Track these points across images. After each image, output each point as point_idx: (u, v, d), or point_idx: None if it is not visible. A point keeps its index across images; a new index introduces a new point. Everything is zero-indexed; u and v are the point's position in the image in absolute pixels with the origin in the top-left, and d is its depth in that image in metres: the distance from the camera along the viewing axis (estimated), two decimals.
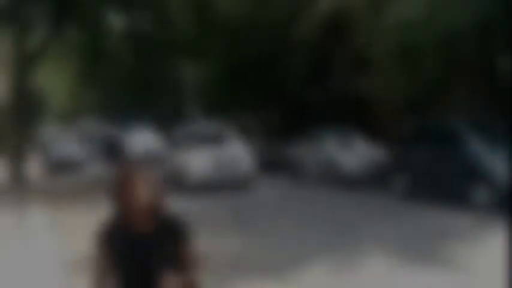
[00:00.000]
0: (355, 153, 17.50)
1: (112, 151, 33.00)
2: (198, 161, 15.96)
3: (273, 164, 20.80)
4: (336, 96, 26.84)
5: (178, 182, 16.24)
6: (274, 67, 26.98)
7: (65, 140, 30.47)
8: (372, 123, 23.49)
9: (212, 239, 9.12)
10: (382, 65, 16.92)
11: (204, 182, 15.92)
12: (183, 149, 16.76)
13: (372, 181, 16.68)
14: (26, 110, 21.60)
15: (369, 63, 17.68)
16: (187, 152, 16.36)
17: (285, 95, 27.74)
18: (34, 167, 27.25)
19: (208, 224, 10.59)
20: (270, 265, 7.74)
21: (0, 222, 11.56)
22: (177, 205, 7.24)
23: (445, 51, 14.00)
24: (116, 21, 25.13)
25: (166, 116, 40.33)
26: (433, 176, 12.98)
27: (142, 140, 31.93)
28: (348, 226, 10.22)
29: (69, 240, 10.19)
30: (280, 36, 26.15)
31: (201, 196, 15.04)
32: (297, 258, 7.98)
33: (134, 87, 40.57)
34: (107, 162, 30.03)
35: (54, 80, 40.93)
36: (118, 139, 37.88)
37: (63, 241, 10.04)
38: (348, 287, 6.65)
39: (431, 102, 17.63)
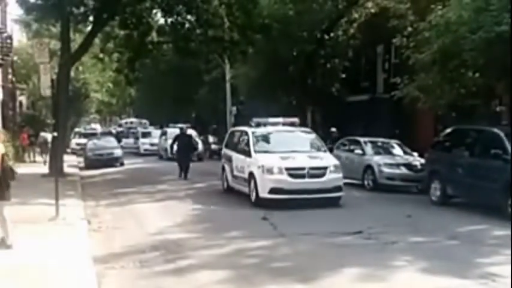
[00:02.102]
0: (393, 158, 17.33)
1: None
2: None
3: None
4: (378, 99, 26.59)
5: None
6: (315, 69, 26.86)
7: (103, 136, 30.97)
8: (412, 128, 23.17)
9: None
10: (424, 68, 16.64)
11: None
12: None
13: (409, 187, 16.51)
14: (69, 103, 22.05)
15: (412, 67, 17.39)
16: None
17: (326, 96, 27.59)
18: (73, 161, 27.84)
19: None
20: None
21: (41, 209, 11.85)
22: None
23: (488, 55, 13.63)
24: (159, 18, 25.50)
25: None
26: (469, 184, 12.66)
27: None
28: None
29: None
30: (321, 37, 26.04)
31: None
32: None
33: (175, 84, 41.06)
34: None
35: (96, 76, 41.67)
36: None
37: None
38: None
39: (473, 108, 17.23)
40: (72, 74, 25.96)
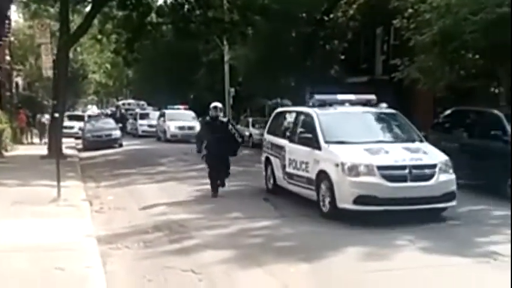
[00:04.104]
0: None
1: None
2: None
3: None
4: (377, 80, 26.59)
5: None
6: (314, 50, 26.81)
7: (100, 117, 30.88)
8: (411, 109, 23.20)
9: None
10: (424, 50, 16.64)
11: None
12: None
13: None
14: (68, 83, 21.97)
15: (411, 49, 17.39)
16: None
17: (325, 78, 27.57)
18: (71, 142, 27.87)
19: None
20: None
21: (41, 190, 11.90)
22: None
23: (489, 37, 13.63)
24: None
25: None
26: (469, 165, 12.70)
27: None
28: None
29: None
30: (320, 19, 25.98)
31: None
32: None
33: (173, 65, 40.92)
34: None
35: (94, 57, 41.53)
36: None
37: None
38: None
39: (472, 90, 17.28)
40: (70, 55, 25.83)
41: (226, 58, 34.05)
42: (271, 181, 12.32)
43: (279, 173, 11.85)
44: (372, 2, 24.89)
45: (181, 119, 31.99)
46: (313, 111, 10.94)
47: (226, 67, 34.68)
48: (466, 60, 15.61)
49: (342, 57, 27.47)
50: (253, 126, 29.39)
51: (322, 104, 11.30)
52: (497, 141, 11.96)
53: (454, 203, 9.61)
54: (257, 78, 28.72)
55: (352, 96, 11.66)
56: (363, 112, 11.24)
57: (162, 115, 33.61)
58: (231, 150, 12.32)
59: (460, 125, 13.77)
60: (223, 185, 12.22)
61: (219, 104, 12.45)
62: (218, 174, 12.06)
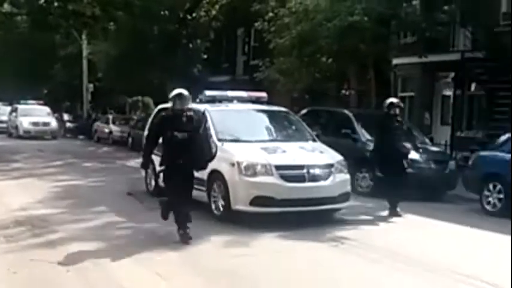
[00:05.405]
0: None
1: None
2: None
3: None
4: (238, 80, 27.38)
5: None
6: (177, 48, 26.96)
7: None
8: None
9: None
10: (284, 53, 17.58)
11: None
12: None
13: None
14: None
15: (271, 51, 18.27)
16: None
17: (188, 76, 27.84)
18: None
19: None
20: None
21: None
22: None
23: (341, 42, 14.82)
24: None
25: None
26: None
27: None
28: None
29: None
30: (183, 17, 26.24)
31: None
32: None
33: (26, 58, 38.88)
34: None
35: None
36: None
37: None
38: None
39: (326, 91, 18.56)
40: None
41: (85, 53, 33.15)
42: (153, 182, 11.06)
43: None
44: (234, 4, 25.63)
45: (35, 114, 30.68)
46: (205, 107, 10.03)
47: (85, 62, 33.79)
48: (321, 64, 16.76)
49: (205, 56, 27.94)
50: (113, 123, 28.97)
51: (212, 101, 10.65)
52: (348, 139, 13.13)
53: (349, 203, 9.56)
54: (118, 75, 28.29)
55: (243, 93, 11.28)
56: (255, 110, 10.80)
57: (14, 110, 31.91)
58: (201, 159, 8.00)
59: (315, 124, 14.73)
60: (189, 219, 7.79)
61: (185, 92, 8.12)
62: (180, 199, 7.80)
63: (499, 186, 10.72)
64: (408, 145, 10.56)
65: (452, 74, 19.22)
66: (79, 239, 7.74)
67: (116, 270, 6.52)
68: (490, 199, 10.87)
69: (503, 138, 11.47)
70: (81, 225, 8.64)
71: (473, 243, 8.42)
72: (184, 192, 7.80)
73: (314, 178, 8.96)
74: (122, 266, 6.64)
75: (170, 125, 7.84)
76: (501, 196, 10.67)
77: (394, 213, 9.97)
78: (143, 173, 11.39)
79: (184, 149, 7.65)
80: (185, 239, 7.61)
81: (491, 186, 10.83)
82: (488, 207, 10.87)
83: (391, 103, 10.54)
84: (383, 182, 10.56)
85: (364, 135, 13.27)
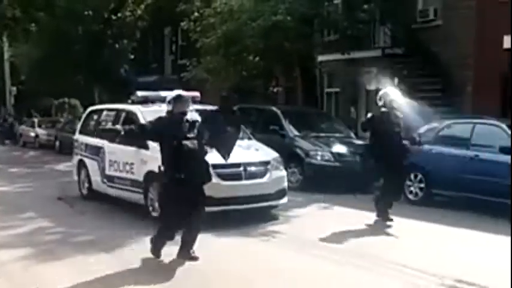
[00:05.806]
0: None
1: None
2: None
3: None
4: (167, 79, 27.27)
5: None
6: (103, 49, 26.57)
7: None
8: None
9: None
10: (210, 52, 17.73)
11: None
12: None
13: None
14: None
15: (198, 50, 18.39)
16: None
17: (115, 77, 27.49)
18: None
19: None
20: None
21: None
22: None
23: (266, 41, 15.16)
24: None
25: None
26: None
27: None
28: None
29: None
30: (108, 17, 25.89)
31: None
32: None
33: None
34: None
35: None
36: None
37: None
38: None
39: (254, 89, 18.87)
40: None
41: (6, 55, 32.13)
42: (86, 186, 11.13)
43: (96, 177, 10.71)
44: (160, 4, 25.52)
45: None
46: (136, 109, 9.93)
47: (7, 65, 32.75)
48: (248, 62, 17.03)
49: (132, 56, 27.66)
50: (39, 126, 28.22)
51: (145, 101, 10.27)
52: (276, 135, 13.46)
53: (285, 199, 9.64)
54: (42, 77, 27.59)
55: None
56: (190, 110, 10.30)
57: None
58: (206, 171, 7.05)
59: (244, 121, 14.99)
60: (190, 244, 6.99)
61: (184, 93, 7.30)
62: (184, 218, 6.86)
63: (419, 176, 11.29)
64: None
65: (374, 70, 19.95)
66: (8, 246, 7.61)
67: (45, 273, 6.48)
68: (412, 188, 11.40)
69: (421, 130, 12.04)
70: (10, 232, 8.48)
71: (397, 231, 8.81)
72: (195, 210, 6.86)
73: (251, 176, 9.06)
74: (52, 269, 6.61)
75: (170, 132, 6.70)
76: (422, 185, 11.25)
77: (385, 217, 9.35)
78: (76, 177, 11.47)
79: (194, 158, 6.70)
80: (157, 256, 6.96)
81: (412, 176, 11.36)
82: (410, 197, 11.38)
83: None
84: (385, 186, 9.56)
85: (292, 131, 13.63)
